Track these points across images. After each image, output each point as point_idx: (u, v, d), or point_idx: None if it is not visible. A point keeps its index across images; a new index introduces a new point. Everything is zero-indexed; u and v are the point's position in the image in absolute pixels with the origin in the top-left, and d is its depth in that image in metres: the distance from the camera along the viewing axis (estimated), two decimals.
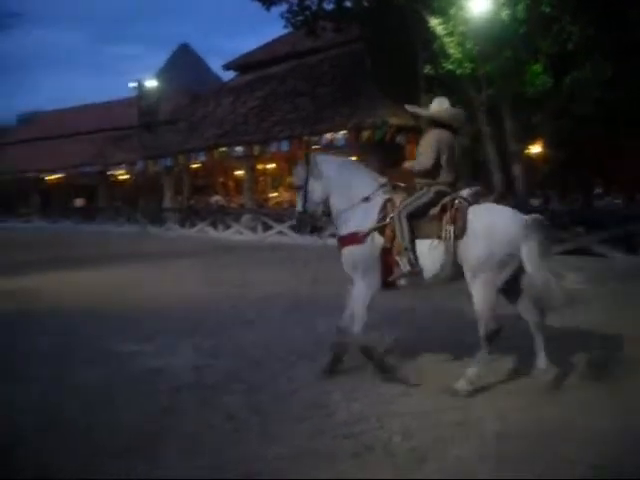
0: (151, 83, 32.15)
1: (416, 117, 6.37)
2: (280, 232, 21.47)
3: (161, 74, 41.06)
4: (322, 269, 13.40)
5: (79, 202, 40.40)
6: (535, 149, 20.84)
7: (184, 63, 46.26)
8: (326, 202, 6.33)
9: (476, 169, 19.50)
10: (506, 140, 17.45)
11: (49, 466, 4.34)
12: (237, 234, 23.29)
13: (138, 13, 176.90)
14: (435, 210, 5.81)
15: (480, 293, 5.59)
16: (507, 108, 17.06)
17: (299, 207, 6.45)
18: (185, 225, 26.33)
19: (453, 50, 16.15)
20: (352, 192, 6.18)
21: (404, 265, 5.76)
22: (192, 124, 29.19)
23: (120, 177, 39.08)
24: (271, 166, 31.22)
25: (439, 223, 5.73)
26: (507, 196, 17.41)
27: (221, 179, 34.70)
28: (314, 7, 20.52)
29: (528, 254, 5.46)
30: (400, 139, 20.57)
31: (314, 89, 23.88)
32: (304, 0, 20.40)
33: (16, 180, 43.31)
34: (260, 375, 6.22)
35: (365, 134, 19.63)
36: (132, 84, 32.57)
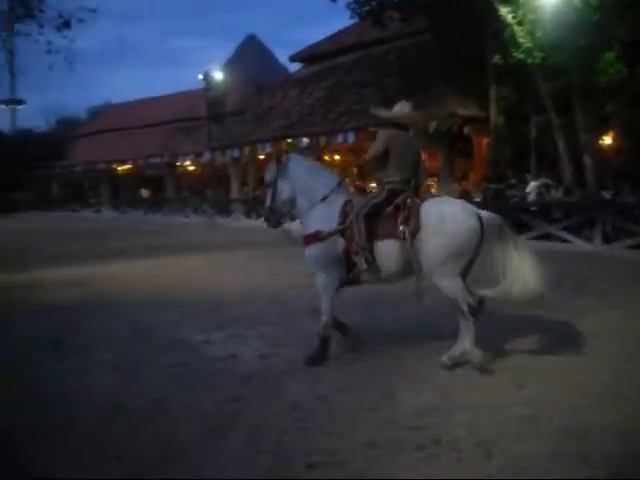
0: (218, 75, 32.48)
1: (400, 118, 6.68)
2: None
3: (228, 66, 41.44)
4: None
5: (145, 193, 41.21)
6: (607, 140, 20.32)
7: (251, 55, 46.51)
8: (293, 202, 6.78)
9: (545, 161, 19.17)
10: (576, 131, 17.06)
11: (125, 449, 4.49)
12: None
13: (206, 6, 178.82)
14: (390, 209, 6.16)
15: (445, 284, 6.05)
16: (578, 98, 16.68)
17: (267, 203, 6.95)
18: (251, 216, 26.52)
19: (523, 39, 15.88)
20: (314, 193, 6.62)
21: (361, 263, 6.16)
22: (258, 115, 29.41)
23: (187, 168, 39.69)
24: (337, 157, 31.26)
25: (394, 222, 6.08)
26: (576, 189, 17.08)
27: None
28: None
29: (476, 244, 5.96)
30: (468, 130, 20.34)
31: (380, 80, 23.73)
32: None
33: (87, 171, 44.51)
34: (327, 365, 6.27)
35: (432, 125, 19.41)
36: (200, 76, 32.96)
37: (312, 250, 6.45)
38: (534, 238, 15.82)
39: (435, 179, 24.39)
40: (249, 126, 29.06)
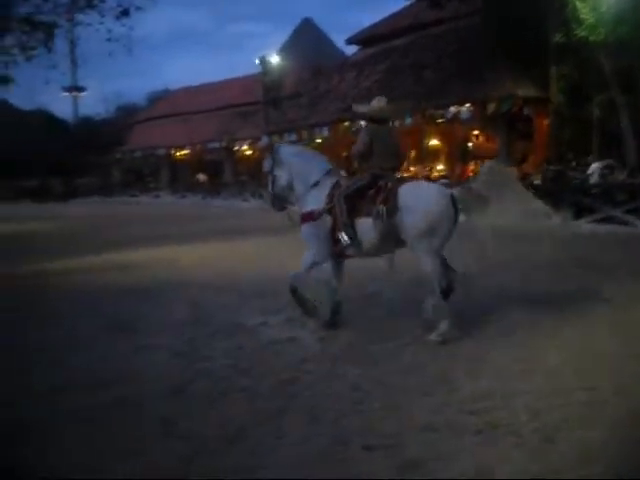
0: (275, 59, 32.58)
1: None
2: None
3: (285, 50, 41.50)
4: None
5: (202, 177, 41.68)
6: None
7: (307, 38, 46.50)
8: (291, 186, 7.53)
9: (608, 141, 18.69)
10: None
11: (185, 430, 4.58)
12: None
13: None
14: (372, 191, 6.77)
15: (423, 259, 6.66)
16: None
17: (269, 189, 7.80)
18: None
19: (586, 15, 15.47)
20: (308, 178, 7.34)
21: (343, 239, 6.84)
22: (315, 99, 29.40)
23: (245, 152, 39.96)
24: None
25: (375, 203, 6.66)
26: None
27: (344, 153, 34.80)
28: None
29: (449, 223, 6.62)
30: (527, 111, 19.95)
31: (438, 61, 23.46)
32: None
33: (147, 156, 45.25)
34: (385, 347, 6.26)
35: (491, 107, 19.11)
36: (256, 61, 33.09)
37: (306, 228, 7.22)
38: (596, 221, 15.49)
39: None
40: (306, 110, 29.09)
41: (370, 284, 9.32)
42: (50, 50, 16.23)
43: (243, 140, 37.44)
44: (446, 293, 6.64)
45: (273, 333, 7.03)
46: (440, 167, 28.55)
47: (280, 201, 7.80)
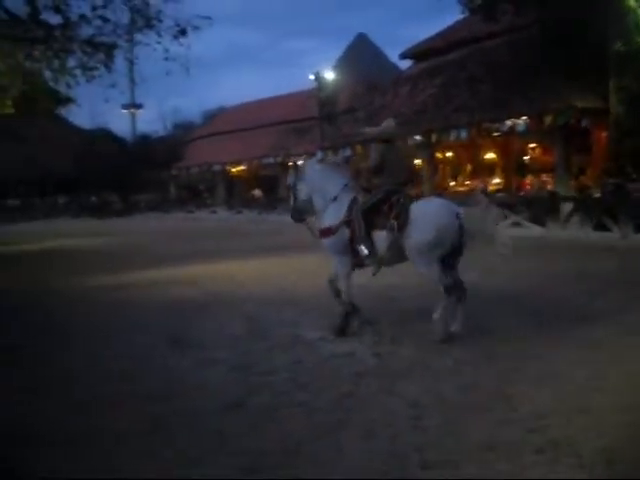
0: (329, 75, 32.74)
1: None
2: None
3: (339, 65, 41.69)
4: (503, 260, 13.10)
5: (257, 193, 42.01)
6: None
7: (361, 53, 46.64)
8: (310, 200, 8.04)
9: None
10: None
11: (244, 444, 4.62)
12: None
13: (316, 7, 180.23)
14: (386, 206, 7.28)
15: (422, 270, 7.28)
16: None
17: (291, 202, 8.35)
18: None
19: None
20: (326, 194, 7.83)
21: (362, 251, 7.39)
22: (370, 114, 29.40)
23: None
24: (450, 154, 30.85)
25: (387, 217, 7.21)
26: None
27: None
28: None
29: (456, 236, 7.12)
30: (586, 123, 19.59)
31: (493, 74, 23.22)
32: None
33: (203, 173, 45.85)
34: (442, 363, 6.23)
35: (548, 119, 18.82)
36: (311, 76, 33.30)
37: (327, 241, 7.77)
38: None
39: (550, 175, 23.67)
40: (361, 125, 29.10)
41: (426, 301, 9.26)
42: (110, 70, 16.63)
43: (298, 155, 37.65)
44: (451, 290, 7.16)
45: (331, 347, 7.06)
46: (496, 181, 28.26)
47: (299, 214, 8.34)
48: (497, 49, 24.73)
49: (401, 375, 5.95)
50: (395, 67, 42.70)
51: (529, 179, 26.69)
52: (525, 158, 28.32)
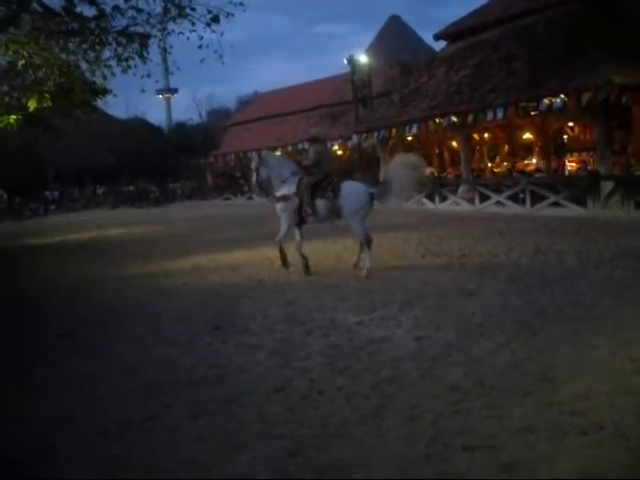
0: (363, 58, 32.51)
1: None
2: (498, 202, 20.94)
3: (372, 48, 41.46)
4: (542, 240, 13.00)
5: None
6: None
7: (395, 35, 46.37)
8: (268, 179, 11.50)
9: None
10: None
11: (285, 428, 4.67)
12: (454, 205, 23.04)
13: None
14: (324, 184, 10.96)
15: (353, 226, 10.99)
16: None
17: (254, 181, 11.88)
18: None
19: None
20: (280, 176, 11.33)
21: (307, 211, 11.03)
22: (405, 96, 29.16)
23: (336, 152, 40.11)
24: (487, 135, 30.51)
25: (326, 191, 10.90)
26: None
27: (436, 150, 34.47)
28: None
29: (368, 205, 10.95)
30: (626, 99, 19.17)
31: (530, 53, 22.81)
32: None
33: (239, 159, 46.01)
34: (482, 346, 6.20)
35: (586, 96, 18.43)
36: (344, 60, 33.12)
37: (280, 205, 11.32)
38: None
39: (591, 153, 23.27)
40: (395, 108, 28.88)
41: (466, 284, 9.24)
42: (144, 60, 16.69)
43: (333, 140, 37.58)
44: (368, 244, 10.75)
45: (369, 332, 7.06)
46: (534, 161, 27.92)
47: (261, 189, 11.87)
48: (533, 26, 24.30)
49: (440, 359, 5.93)
50: (429, 48, 42.29)
51: (569, 158, 26.33)
52: (564, 137, 27.91)
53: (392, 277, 10.26)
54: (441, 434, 4.36)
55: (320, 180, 11.00)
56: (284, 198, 11.16)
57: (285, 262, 11.41)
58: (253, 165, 11.89)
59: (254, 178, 11.74)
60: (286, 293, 9.59)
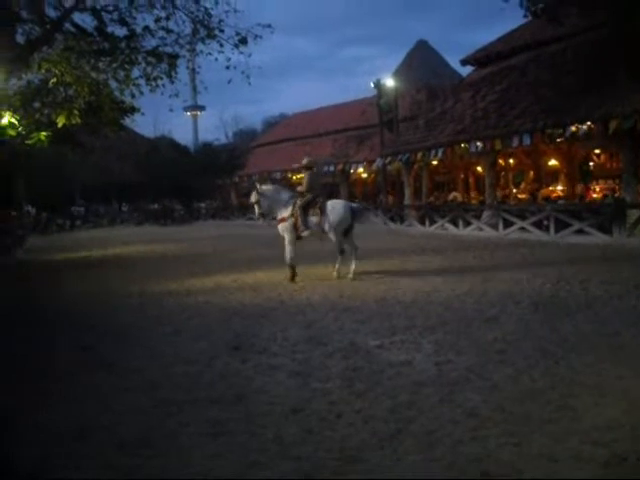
0: (389, 82, 32.60)
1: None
2: (522, 228, 20.83)
3: (399, 72, 41.57)
4: (566, 268, 12.91)
5: None
6: None
7: (422, 60, 46.45)
8: (272, 208, 13.71)
9: None
10: None
11: (301, 450, 4.65)
12: (477, 231, 22.96)
13: (375, 14, 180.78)
14: (313, 204, 13.14)
15: (333, 238, 13.02)
16: None
17: (257, 212, 13.96)
18: (425, 222, 26.33)
19: None
20: (280, 201, 13.55)
21: (302, 229, 13.12)
22: (431, 121, 29.23)
23: (361, 175, 40.20)
24: (512, 160, 30.43)
25: (315, 209, 13.06)
26: None
27: (461, 175, 34.43)
28: None
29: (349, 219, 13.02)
30: None
31: (557, 79, 22.79)
32: None
33: (263, 180, 46.23)
34: (502, 373, 6.14)
35: (613, 124, 18.34)
36: (371, 84, 33.25)
37: (281, 226, 13.47)
38: None
39: (617, 181, 23.11)
40: (421, 132, 28.95)
41: (488, 310, 9.19)
42: (172, 81, 16.92)
43: (358, 162, 37.69)
44: (341, 252, 13.12)
45: (389, 355, 7.03)
46: (560, 187, 27.80)
47: (264, 216, 13.97)
48: (560, 53, 24.33)
49: (460, 384, 5.88)
50: (456, 73, 42.41)
51: (595, 185, 26.17)
52: (590, 164, 27.77)
53: (413, 301, 10.23)
54: (459, 460, 4.31)
55: (310, 200, 13.22)
56: (283, 220, 13.35)
57: (293, 278, 13.04)
58: (253, 199, 13.90)
59: (257, 210, 13.87)
60: (307, 314, 9.59)
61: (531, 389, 5.63)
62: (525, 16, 20.82)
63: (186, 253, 21.77)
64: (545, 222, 19.99)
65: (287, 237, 13.28)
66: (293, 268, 13.11)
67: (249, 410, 5.50)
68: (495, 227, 22.14)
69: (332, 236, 12.96)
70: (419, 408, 5.33)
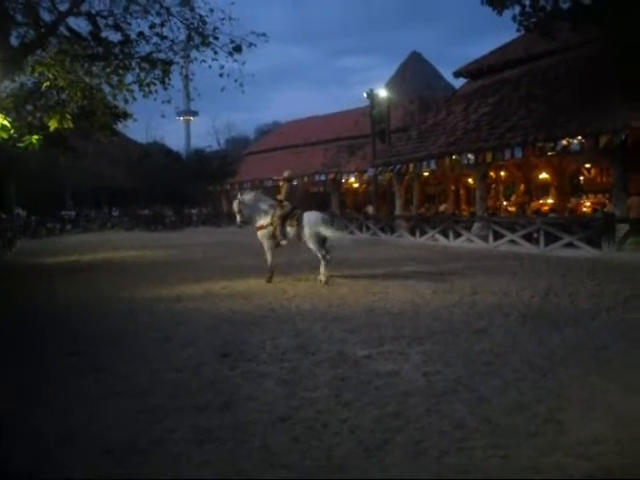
0: (382, 92, 32.71)
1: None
2: (512, 241, 20.91)
3: (392, 83, 41.72)
4: (555, 281, 12.97)
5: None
6: None
7: (415, 71, 46.63)
8: (252, 215, 14.95)
9: None
10: None
11: (287, 459, 4.65)
12: (467, 242, 23.03)
13: (369, 25, 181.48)
14: (291, 215, 14.22)
15: (311, 246, 13.91)
16: None
17: (239, 219, 15.34)
18: (415, 233, 26.37)
19: None
20: (260, 210, 14.78)
21: (280, 237, 14.31)
22: (423, 132, 29.35)
23: (352, 185, 40.27)
24: (503, 173, 30.57)
25: (292, 220, 14.13)
26: None
27: (452, 187, 34.54)
28: (549, 7, 19.72)
29: (323, 230, 13.78)
30: None
31: (549, 93, 22.94)
32: (538, 1, 19.70)
33: (255, 188, 46.24)
34: (490, 385, 6.16)
35: (604, 139, 18.46)
36: (364, 94, 33.36)
37: (259, 233, 14.77)
38: None
39: (607, 195, 23.24)
40: (413, 143, 29.05)
41: (477, 322, 9.23)
42: (166, 87, 16.95)
43: (350, 172, 37.76)
44: (324, 257, 13.80)
45: (377, 366, 7.05)
46: (550, 201, 27.93)
47: (245, 223, 15.23)
48: (553, 67, 24.51)
49: (447, 395, 5.90)
50: (449, 85, 42.59)
51: (584, 200, 26.31)
52: (580, 178, 27.93)
53: (402, 312, 10.25)
54: (445, 471, 4.33)
55: (289, 212, 14.35)
56: (262, 227, 14.68)
57: (270, 280, 14.30)
58: (235, 207, 15.42)
59: (238, 218, 15.35)
60: (296, 323, 9.59)
61: (518, 402, 5.66)
62: (518, 30, 20.94)
63: (176, 259, 21.74)
64: (535, 235, 20.06)
65: (265, 244, 14.66)
66: (272, 272, 14.41)
67: (237, 417, 5.51)
68: (485, 239, 22.20)
69: (310, 245, 13.99)
70: (406, 418, 5.34)
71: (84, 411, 5.83)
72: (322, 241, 13.86)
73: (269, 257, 14.54)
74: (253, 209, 14.90)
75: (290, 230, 14.14)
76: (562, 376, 6.35)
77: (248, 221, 15.12)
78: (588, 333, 8.21)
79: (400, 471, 4.37)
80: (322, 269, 13.70)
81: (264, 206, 14.78)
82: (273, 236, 14.39)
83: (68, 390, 6.56)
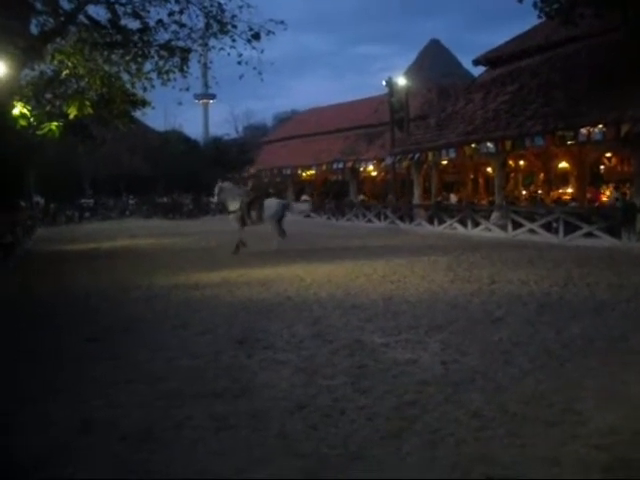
0: (401, 80, 32.53)
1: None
2: (531, 230, 20.78)
3: (411, 71, 41.51)
4: (574, 270, 12.87)
5: (304, 197, 42.48)
6: None
7: (434, 59, 46.39)
8: (226, 200, 19.72)
9: None
10: None
11: (304, 447, 4.66)
12: (486, 231, 22.90)
13: (388, 13, 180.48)
14: (255, 201, 19.43)
15: (271, 225, 19.36)
16: None
17: (215, 201, 24.39)
18: (434, 222, 26.27)
19: None
20: (234, 196, 19.34)
21: (246, 219, 19.02)
22: (442, 120, 29.14)
23: (370, 173, 40.12)
24: (522, 162, 30.33)
25: (255, 205, 19.18)
26: None
27: (470, 175, 34.32)
28: None
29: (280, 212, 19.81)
30: None
31: (569, 81, 22.67)
32: None
33: (273, 176, 46.28)
34: (507, 374, 6.14)
35: (625, 128, 18.22)
36: (383, 82, 33.20)
37: (231, 216, 19.33)
38: None
39: (627, 185, 23.00)
40: (432, 131, 28.85)
41: (495, 311, 9.18)
42: (184, 75, 16.98)
43: (368, 160, 37.63)
44: (282, 234, 18.88)
45: (394, 354, 7.03)
46: (569, 190, 27.69)
47: (222, 205, 20.97)
48: (574, 55, 24.19)
49: (465, 384, 5.88)
50: (468, 73, 42.29)
51: (605, 189, 26.05)
52: (600, 167, 27.65)
53: (420, 300, 10.22)
54: (462, 460, 4.31)
55: (253, 199, 19.29)
56: (233, 212, 19.10)
57: (237, 250, 18.24)
58: (215, 190, 19.86)
59: (216, 199, 20.90)
60: (313, 311, 9.60)
61: (536, 391, 5.62)
62: (539, 17, 20.71)
63: (194, 247, 21.83)
64: (554, 224, 19.92)
65: (235, 225, 19.16)
66: (238, 245, 18.43)
67: (253, 405, 5.52)
68: (504, 228, 22.06)
69: (270, 224, 19.14)
70: (423, 407, 5.33)
71: (100, 398, 5.86)
72: (279, 220, 19.15)
73: (239, 234, 18.80)
74: (228, 195, 19.48)
75: (253, 214, 18.78)
76: (581, 366, 6.31)
77: (224, 204, 20.56)
78: (607, 323, 8.15)
79: (417, 459, 4.36)
80: (275, 242, 18.89)
81: (237, 193, 19.50)
82: (242, 218, 18.82)
83: (84, 377, 6.60)
